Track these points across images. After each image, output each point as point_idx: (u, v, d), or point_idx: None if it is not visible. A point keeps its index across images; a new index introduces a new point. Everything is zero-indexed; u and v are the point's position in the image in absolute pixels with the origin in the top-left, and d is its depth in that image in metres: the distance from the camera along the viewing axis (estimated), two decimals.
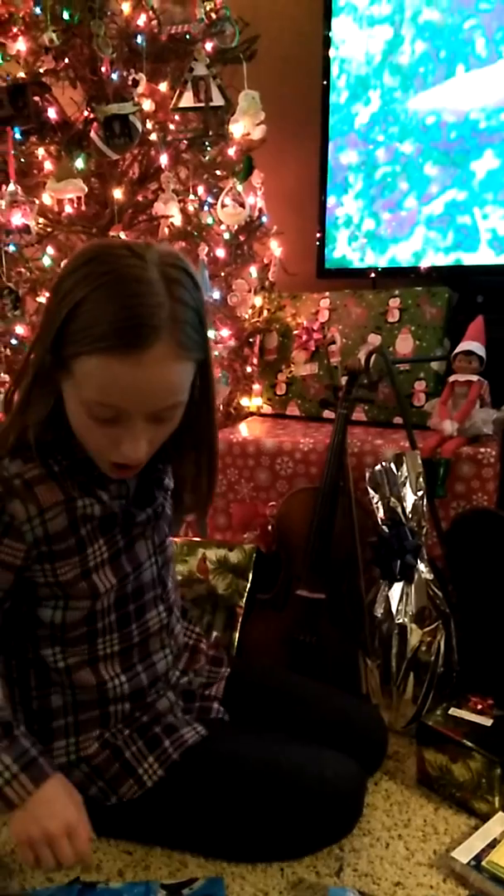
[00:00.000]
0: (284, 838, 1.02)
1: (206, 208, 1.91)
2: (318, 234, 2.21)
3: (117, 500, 1.00)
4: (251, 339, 2.06)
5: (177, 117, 1.85)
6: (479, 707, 1.21)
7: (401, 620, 1.32)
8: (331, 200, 2.16)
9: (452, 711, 1.20)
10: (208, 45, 1.83)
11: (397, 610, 1.33)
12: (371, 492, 1.43)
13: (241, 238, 2.02)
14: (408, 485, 1.40)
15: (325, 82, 2.18)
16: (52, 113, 1.75)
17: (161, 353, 0.83)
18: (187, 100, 1.81)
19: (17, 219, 1.68)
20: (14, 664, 1.03)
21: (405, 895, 0.98)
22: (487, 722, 1.18)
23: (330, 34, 2.15)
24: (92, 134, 1.70)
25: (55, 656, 1.01)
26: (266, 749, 1.05)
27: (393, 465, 1.42)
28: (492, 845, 1.01)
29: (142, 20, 1.77)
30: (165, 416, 0.91)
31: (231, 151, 1.93)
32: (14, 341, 1.76)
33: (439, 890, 0.98)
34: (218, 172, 1.96)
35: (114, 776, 1.02)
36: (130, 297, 0.82)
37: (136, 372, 0.83)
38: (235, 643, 1.53)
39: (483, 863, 0.98)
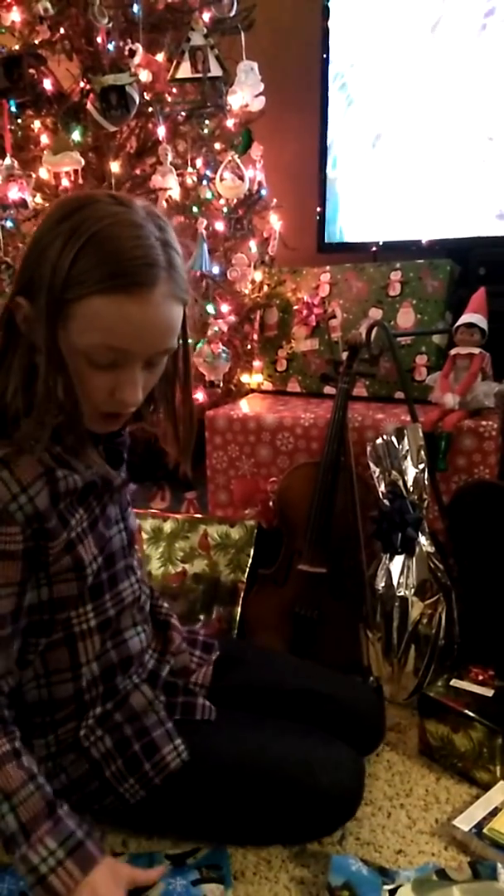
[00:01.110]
0: (280, 835, 1.02)
1: (204, 181, 1.89)
2: (318, 209, 2.19)
3: (91, 469, 0.96)
4: (251, 315, 2.04)
5: (174, 89, 1.82)
6: (481, 678, 1.21)
7: (402, 593, 1.32)
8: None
9: (454, 682, 1.21)
10: (206, 15, 1.81)
11: (398, 583, 1.33)
12: (372, 465, 1.43)
13: (241, 212, 2.00)
14: (409, 458, 1.39)
15: (324, 55, 2.15)
16: (47, 85, 1.73)
17: (164, 292, 0.86)
18: (185, 70, 1.79)
19: (14, 193, 1.66)
20: None
21: (407, 862, 0.98)
22: (488, 692, 1.18)
23: (328, 3, 2.11)
24: (88, 106, 1.67)
25: (34, 642, 0.97)
26: (258, 756, 1.01)
27: (394, 439, 1.41)
28: (493, 813, 1.02)
29: None
30: (157, 362, 0.92)
31: (230, 123, 1.91)
32: None
33: (441, 857, 0.99)
34: (217, 145, 1.94)
35: (94, 792, 1.00)
36: (131, 238, 0.84)
37: (145, 309, 0.85)
38: (237, 619, 1.53)
39: (484, 830, 0.99)
